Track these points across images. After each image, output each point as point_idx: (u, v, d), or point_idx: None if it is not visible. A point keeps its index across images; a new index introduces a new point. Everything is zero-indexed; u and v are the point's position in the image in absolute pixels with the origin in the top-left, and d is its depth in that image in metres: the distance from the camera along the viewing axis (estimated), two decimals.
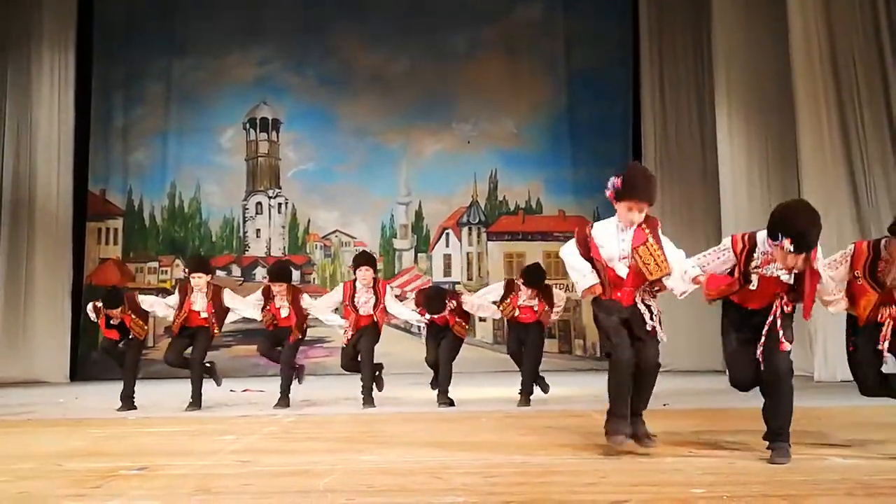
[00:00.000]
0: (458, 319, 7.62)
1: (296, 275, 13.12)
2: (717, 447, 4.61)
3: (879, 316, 4.36)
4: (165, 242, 14.12)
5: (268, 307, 7.72)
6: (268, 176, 14.39)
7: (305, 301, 7.77)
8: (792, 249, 3.92)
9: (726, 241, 4.36)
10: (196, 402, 7.47)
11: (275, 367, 7.94)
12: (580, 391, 8.53)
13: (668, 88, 13.38)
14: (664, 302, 4.50)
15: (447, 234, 14.31)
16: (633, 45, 13.89)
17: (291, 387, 7.71)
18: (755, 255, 4.19)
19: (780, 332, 4.13)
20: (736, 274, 4.24)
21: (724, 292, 4.27)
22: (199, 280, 7.49)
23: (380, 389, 7.63)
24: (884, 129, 9.67)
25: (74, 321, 12.83)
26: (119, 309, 7.48)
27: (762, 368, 4.18)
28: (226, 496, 3.57)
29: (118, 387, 7.69)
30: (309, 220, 14.34)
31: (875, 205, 9.54)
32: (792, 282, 4.15)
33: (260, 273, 13.77)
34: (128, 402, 7.56)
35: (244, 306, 7.83)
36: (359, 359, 7.51)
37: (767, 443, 4.18)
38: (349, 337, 7.49)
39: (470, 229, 14.29)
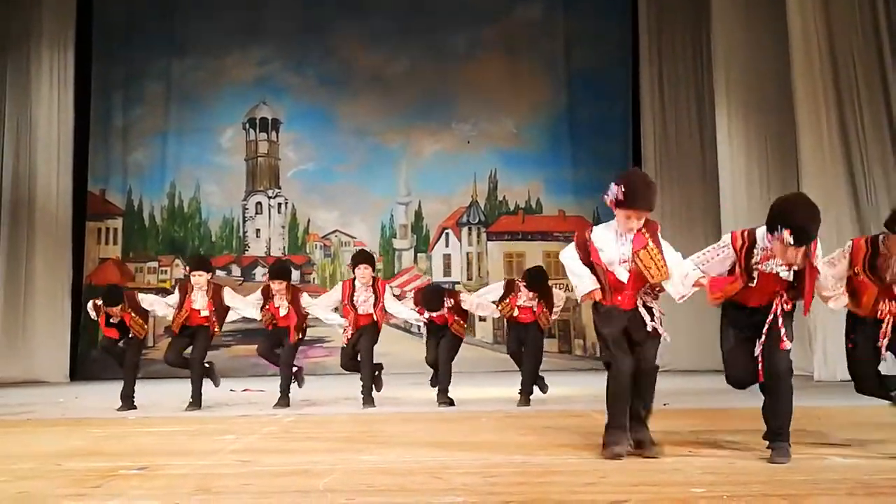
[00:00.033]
0: (456, 318, 7.63)
1: (296, 275, 13.12)
2: (717, 447, 4.61)
3: (879, 313, 4.37)
4: (165, 242, 14.12)
5: (267, 306, 7.72)
6: (267, 176, 14.39)
7: (305, 300, 7.76)
8: (791, 242, 3.91)
9: (726, 238, 4.35)
10: (196, 401, 7.46)
11: (274, 367, 7.94)
12: (580, 391, 8.53)
13: (668, 88, 13.39)
14: (664, 302, 4.50)
15: (447, 234, 14.31)
16: (633, 45, 13.90)
17: (291, 387, 7.71)
18: (755, 252, 4.18)
19: (782, 330, 4.13)
20: (737, 271, 4.23)
21: (729, 293, 4.25)
22: (200, 278, 7.49)
23: (378, 389, 7.62)
24: (883, 129, 9.68)
25: (74, 321, 12.84)
26: (119, 307, 7.47)
27: (761, 368, 4.18)
28: (226, 496, 3.56)
29: (118, 386, 7.68)
30: (309, 220, 14.34)
31: (875, 204, 9.53)
32: (791, 279, 4.16)
33: (260, 273, 13.77)
34: (128, 401, 7.56)
35: (244, 305, 7.82)
36: (358, 358, 7.52)
37: (767, 442, 4.18)
38: (349, 336, 7.49)
39: (470, 229, 14.30)
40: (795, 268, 4.13)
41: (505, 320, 7.95)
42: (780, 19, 10.10)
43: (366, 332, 7.46)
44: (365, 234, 14.18)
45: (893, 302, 4.34)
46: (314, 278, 14.08)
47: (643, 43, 13.52)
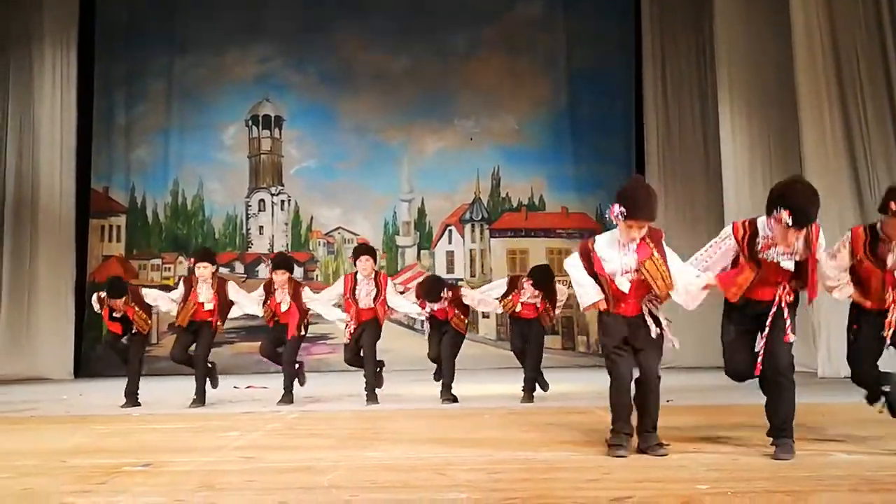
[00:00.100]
0: (456, 312, 7.61)
1: (299, 272, 13.09)
2: (720, 443, 4.61)
3: (885, 302, 4.37)
4: (168, 240, 14.13)
5: (268, 301, 7.72)
6: (270, 173, 14.40)
7: (307, 294, 7.73)
8: (790, 223, 3.91)
9: (727, 230, 4.36)
10: (200, 398, 7.47)
11: (278, 365, 7.93)
12: (583, 388, 8.53)
13: (670, 84, 13.37)
14: (669, 302, 4.48)
15: (450, 230, 14.32)
16: (636, 43, 13.88)
17: (294, 385, 7.71)
18: (757, 241, 4.19)
19: (787, 321, 4.12)
20: (742, 261, 4.23)
21: (743, 285, 4.22)
22: (205, 270, 7.48)
23: (379, 386, 7.62)
24: (887, 124, 9.65)
25: (78, 318, 12.86)
26: (122, 300, 7.46)
27: (761, 361, 4.17)
28: (229, 492, 3.57)
29: (122, 383, 7.70)
30: (312, 217, 14.34)
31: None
32: (793, 269, 4.16)
33: (263, 270, 13.77)
34: (132, 398, 7.57)
35: (247, 301, 7.81)
36: (361, 354, 7.52)
37: (771, 439, 4.19)
38: (351, 331, 7.49)
39: (473, 226, 14.29)
40: (797, 257, 4.13)
41: (508, 316, 7.95)
42: (783, 15, 10.08)
43: (368, 327, 7.47)
44: (368, 231, 14.17)
45: None
46: (317, 275, 14.08)
47: (645, 40, 13.49)
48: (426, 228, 14.31)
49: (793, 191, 4.01)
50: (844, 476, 3.61)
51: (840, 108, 9.77)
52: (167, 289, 8.34)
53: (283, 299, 7.67)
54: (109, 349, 8.02)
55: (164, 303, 7.75)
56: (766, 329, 4.15)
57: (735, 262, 4.31)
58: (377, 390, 7.52)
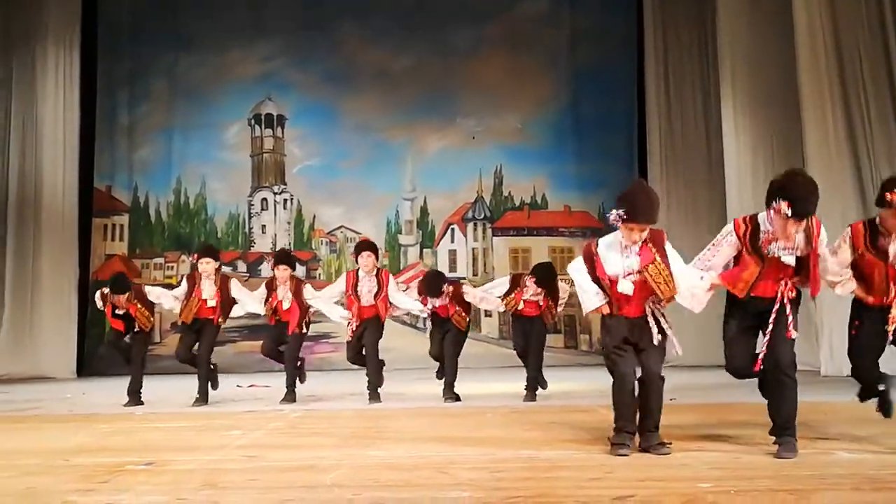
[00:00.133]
0: (457, 308, 7.61)
1: (301, 270, 13.12)
2: (723, 441, 4.61)
3: (887, 298, 4.37)
4: (171, 238, 14.15)
5: (270, 299, 7.72)
6: (273, 172, 14.41)
7: (308, 292, 7.73)
8: (789, 213, 3.92)
9: (728, 227, 4.37)
10: (203, 397, 7.48)
11: (280, 364, 7.93)
12: (585, 386, 8.53)
13: (673, 83, 13.35)
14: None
15: (452, 229, 14.31)
16: (638, 40, 13.86)
17: (296, 383, 7.71)
18: (759, 236, 4.19)
19: (790, 318, 4.12)
20: (746, 256, 4.23)
21: (749, 280, 4.22)
22: (208, 266, 7.49)
23: (379, 385, 7.61)
24: (890, 124, 9.63)
25: (81, 317, 12.88)
26: (126, 296, 7.47)
27: (763, 358, 4.17)
28: (232, 491, 3.58)
29: (125, 382, 7.71)
30: (314, 216, 14.35)
31: None
32: (794, 264, 4.16)
33: (265, 269, 13.77)
34: (135, 397, 7.58)
35: (250, 299, 7.81)
36: (363, 353, 7.53)
37: (774, 437, 4.19)
38: (353, 329, 7.49)
39: (475, 225, 14.29)
40: (798, 252, 4.13)
41: (510, 314, 7.95)
42: (786, 14, 10.06)
43: (370, 326, 7.47)
44: (370, 230, 14.15)
45: None
46: (320, 274, 14.09)
47: (648, 38, 13.47)
48: (429, 227, 14.31)
49: (793, 182, 4.02)
50: (847, 475, 3.61)
51: (843, 108, 9.75)
52: (170, 288, 8.34)
53: (285, 296, 7.68)
54: (112, 348, 8.04)
55: (167, 300, 7.75)
56: (770, 326, 4.15)
57: (737, 260, 4.32)
58: (379, 389, 7.52)
